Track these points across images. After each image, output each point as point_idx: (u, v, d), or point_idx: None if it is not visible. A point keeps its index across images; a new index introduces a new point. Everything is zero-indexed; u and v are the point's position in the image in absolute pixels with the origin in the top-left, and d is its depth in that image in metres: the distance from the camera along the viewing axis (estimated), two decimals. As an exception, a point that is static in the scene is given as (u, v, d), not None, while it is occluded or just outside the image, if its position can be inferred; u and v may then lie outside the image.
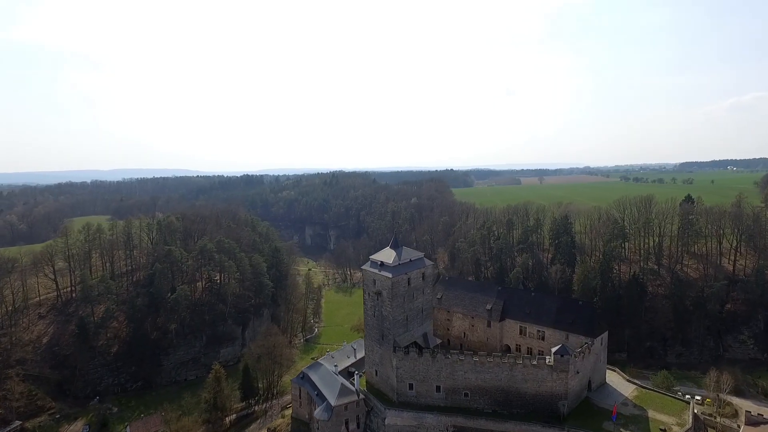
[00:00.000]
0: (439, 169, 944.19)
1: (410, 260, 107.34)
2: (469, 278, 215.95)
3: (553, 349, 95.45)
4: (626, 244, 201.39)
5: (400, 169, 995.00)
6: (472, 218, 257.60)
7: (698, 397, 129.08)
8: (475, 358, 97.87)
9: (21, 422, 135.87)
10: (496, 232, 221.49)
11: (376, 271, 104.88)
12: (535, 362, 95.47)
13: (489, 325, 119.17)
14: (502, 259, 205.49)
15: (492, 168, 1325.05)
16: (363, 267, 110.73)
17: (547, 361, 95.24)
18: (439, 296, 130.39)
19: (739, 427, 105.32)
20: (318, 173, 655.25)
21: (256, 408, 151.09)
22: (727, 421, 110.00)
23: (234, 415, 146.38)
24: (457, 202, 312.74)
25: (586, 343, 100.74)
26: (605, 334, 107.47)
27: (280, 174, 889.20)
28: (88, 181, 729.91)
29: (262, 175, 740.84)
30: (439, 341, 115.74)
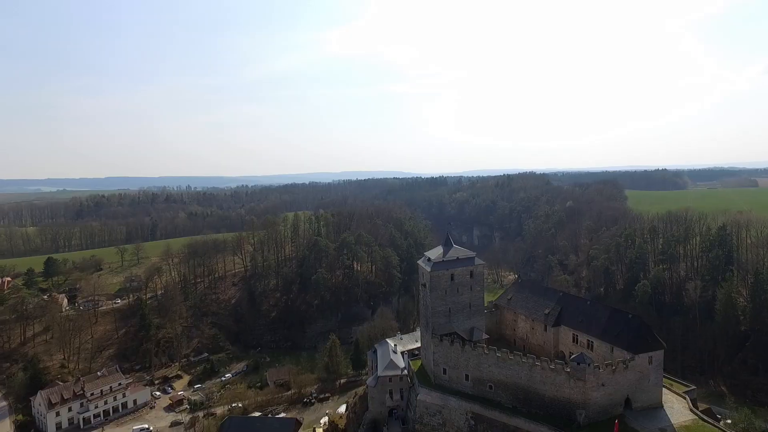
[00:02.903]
0: (648, 168, 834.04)
1: (457, 258, 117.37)
2: (600, 289, 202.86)
3: (572, 356, 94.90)
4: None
5: (612, 169, 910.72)
6: (623, 225, 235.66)
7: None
8: (498, 354, 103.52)
9: (208, 354, 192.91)
10: (637, 241, 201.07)
11: (423, 265, 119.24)
12: (552, 366, 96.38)
13: (546, 330, 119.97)
14: (634, 270, 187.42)
15: (726, 166, 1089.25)
16: (418, 261, 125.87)
17: (565, 367, 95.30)
18: (509, 297, 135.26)
19: None
20: (490, 176, 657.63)
21: (364, 377, 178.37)
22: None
23: (344, 379, 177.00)
24: (613, 207, 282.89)
25: (629, 358, 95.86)
26: (657, 353, 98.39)
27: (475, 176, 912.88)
28: (307, 182, 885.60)
29: (445, 177, 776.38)
30: (486, 337, 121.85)
